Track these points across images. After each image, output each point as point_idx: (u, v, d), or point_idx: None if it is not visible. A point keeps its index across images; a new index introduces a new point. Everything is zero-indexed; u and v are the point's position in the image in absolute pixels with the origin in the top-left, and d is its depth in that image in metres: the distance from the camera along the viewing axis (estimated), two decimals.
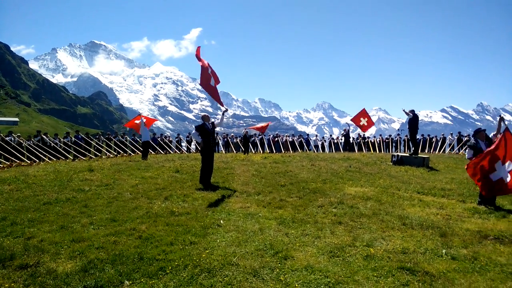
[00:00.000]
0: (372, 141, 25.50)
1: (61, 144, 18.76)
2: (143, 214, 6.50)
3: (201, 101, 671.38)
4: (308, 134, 27.72)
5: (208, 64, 9.84)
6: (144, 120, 16.28)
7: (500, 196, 7.73)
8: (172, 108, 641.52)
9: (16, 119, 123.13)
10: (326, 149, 25.33)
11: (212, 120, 9.85)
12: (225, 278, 4.01)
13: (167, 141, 23.21)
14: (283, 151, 22.91)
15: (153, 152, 19.83)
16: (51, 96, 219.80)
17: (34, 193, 8.06)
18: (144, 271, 4.14)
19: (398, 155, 14.31)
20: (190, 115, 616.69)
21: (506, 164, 7.31)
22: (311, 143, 26.06)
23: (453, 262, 4.55)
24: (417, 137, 17.67)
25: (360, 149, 24.10)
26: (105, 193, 8.14)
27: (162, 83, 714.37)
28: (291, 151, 22.95)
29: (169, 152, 21.37)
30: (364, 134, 26.50)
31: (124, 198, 7.69)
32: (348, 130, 25.49)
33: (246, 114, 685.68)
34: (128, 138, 21.63)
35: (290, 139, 25.36)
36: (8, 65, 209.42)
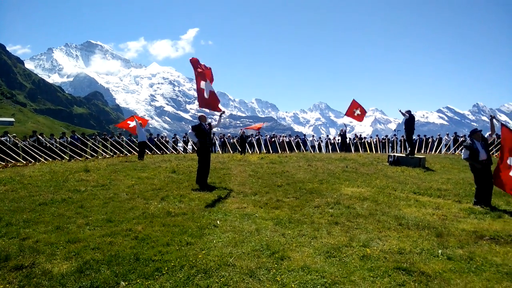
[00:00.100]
0: (369, 141, 25.58)
1: (57, 145, 18.69)
2: (139, 214, 6.48)
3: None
4: (304, 135, 27.73)
5: (202, 71, 9.67)
6: (139, 122, 16.22)
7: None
8: (168, 108, 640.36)
9: (12, 119, 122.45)
10: (323, 150, 25.39)
11: (209, 120, 9.83)
12: (221, 279, 4.00)
13: (163, 142, 23.17)
14: (280, 152, 22.92)
15: (149, 153, 19.79)
16: (47, 96, 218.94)
17: (29, 194, 8.02)
18: (140, 272, 4.12)
19: (394, 156, 14.35)
20: (186, 116, 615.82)
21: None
22: (308, 143, 26.08)
23: (449, 262, 4.56)
24: (414, 137, 17.73)
25: (356, 150, 24.16)
26: (101, 194, 8.11)
27: (158, 83, 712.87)
28: (288, 152, 22.97)
29: (166, 153, 21.34)
30: (360, 135, 26.57)
31: (120, 199, 7.66)
32: (345, 131, 25.55)
33: (243, 115, 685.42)
34: (124, 139, 21.57)
35: (287, 140, 25.39)
36: (4, 65, 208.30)
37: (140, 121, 16.25)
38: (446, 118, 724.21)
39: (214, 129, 10.16)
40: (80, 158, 17.11)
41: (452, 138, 24.47)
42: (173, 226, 5.79)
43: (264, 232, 5.60)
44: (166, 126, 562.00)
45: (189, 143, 23.42)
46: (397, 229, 5.89)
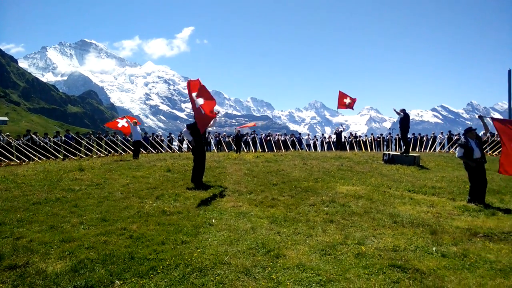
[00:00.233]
0: (364, 140, 25.66)
1: (51, 144, 18.56)
2: (134, 213, 6.46)
3: None
4: (300, 133, 27.77)
5: (197, 90, 9.28)
6: (131, 121, 16.04)
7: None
8: (163, 107, 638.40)
9: (6, 118, 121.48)
10: (318, 148, 25.42)
11: None
12: (216, 277, 4.00)
13: (158, 140, 23.10)
14: (275, 150, 22.93)
15: (144, 151, 19.71)
16: (41, 95, 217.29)
17: (23, 193, 7.97)
18: (135, 271, 4.11)
19: (389, 154, 14.41)
20: (182, 114, 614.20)
21: None
22: (303, 142, 26.12)
23: (443, 259, 4.59)
24: (408, 136, 17.82)
25: (351, 148, 24.23)
26: (96, 193, 8.07)
27: (153, 82, 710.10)
28: (283, 150, 22.98)
29: (161, 151, 21.27)
30: (356, 133, 26.64)
31: (115, 198, 7.63)
32: (341, 131, 25.61)
33: (238, 113, 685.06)
34: (119, 138, 21.47)
35: (282, 138, 25.38)
36: None
37: (131, 121, 16.09)
38: (440, 117, 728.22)
39: (209, 128, 10.11)
40: (74, 157, 17.02)
41: (446, 136, 24.60)
42: (168, 225, 5.78)
43: (259, 230, 5.60)
44: (161, 125, 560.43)
45: (184, 142, 23.36)
46: (392, 227, 5.91)
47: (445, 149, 23.26)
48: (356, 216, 6.54)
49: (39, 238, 5.13)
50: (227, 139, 24.42)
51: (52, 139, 19.06)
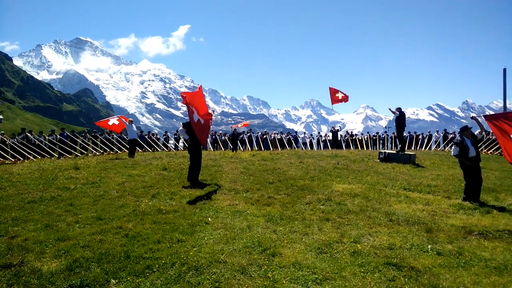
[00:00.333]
0: (360, 138, 25.71)
1: (46, 142, 18.47)
2: (130, 212, 6.44)
3: None
4: (296, 132, 27.80)
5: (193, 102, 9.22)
6: (125, 121, 15.97)
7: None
8: (159, 106, 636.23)
9: (0, 116, 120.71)
10: (314, 147, 25.46)
11: None
12: (212, 276, 4.00)
13: (154, 139, 23.04)
14: (271, 149, 22.93)
15: (140, 150, 19.65)
16: (36, 93, 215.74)
17: (18, 192, 7.93)
18: (131, 270, 4.10)
19: (385, 152, 14.45)
20: (178, 113, 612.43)
21: None
22: (299, 140, 26.12)
23: (438, 257, 4.61)
24: (404, 134, 17.86)
25: (347, 146, 24.27)
26: (91, 191, 8.04)
27: (149, 80, 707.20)
28: (279, 149, 22.98)
29: (157, 150, 21.21)
30: (352, 132, 26.69)
31: (110, 196, 7.61)
32: (337, 130, 25.65)
33: (235, 112, 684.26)
34: (114, 136, 21.39)
35: (279, 137, 25.39)
36: None
37: (129, 119, 16.03)
38: (436, 115, 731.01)
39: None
40: (69, 156, 16.93)
41: (442, 135, 24.70)
42: (164, 223, 5.77)
43: (255, 229, 5.60)
44: (157, 123, 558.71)
45: (180, 141, 23.32)
46: (388, 225, 5.93)
47: (441, 147, 23.35)
48: (352, 214, 6.55)
49: (34, 237, 5.11)
50: (223, 137, 24.40)
51: (47, 137, 18.97)
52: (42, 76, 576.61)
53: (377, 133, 26.48)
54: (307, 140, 26.27)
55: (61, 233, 5.26)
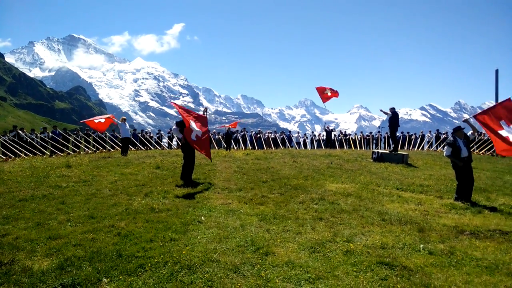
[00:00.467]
0: (353, 138, 25.81)
1: (38, 140, 18.31)
2: (122, 210, 6.40)
3: (183, 97, 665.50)
4: (290, 131, 27.81)
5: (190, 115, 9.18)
6: (124, 117, 15.92)
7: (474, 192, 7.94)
8: (153, 104, 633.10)
9: None
10: (308, 146, 25.51)
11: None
12: (205, 275, 3.99)
13: (148, 137, 22.93)
14: (265, 148, 22.93)
15: (133, 148, 19.56)
16: (28, 91, 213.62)
17: (9, 190, 7.85)
18: (123, 268, 4.08)
19: (378, 152, 14.51)
20: (171, 111, 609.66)
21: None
22: (293, 139, 26.15)
23: (430, 256, 4.64)
24: (397, 134, 17.95)
25: (341, 146, 24.35)
26: (83, 190, 7.99)
27: (143, 78, 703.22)
28: (273, 148, 22.99)
29: (150, 148, 21.12)
30: (345, 131, 26.78)
31: (102, 195, 7.56)
32: (331, 130, 25.71)
33: (229, 111, 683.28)
34: (107, 134, 21.26)
35: (272, 136, 25.40)
36: None
37: (122, 118, 15.93)
38: (429, 116, 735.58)
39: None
40: (61, 154, 16.80)
41: (434, 135, 24.87)
42: (157, 222, 5.74)
43: (248, 228, 5.60)
44: (150, 121, 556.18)
45: (174, 139, 23.23)
46: (380, 225, 5.96)
47: (433, 147, 23.51)
48: (345, 213, 6.57)
49: (25, 235, 5.06)
50: (217, 136, 24.36)
51: (39, 135, 18.80)
52: (34, 73, 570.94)
53: (371, 133, 26.60)
54: (301, 140, 26.31)
55: (53, 231, 5.22)
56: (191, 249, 4.67)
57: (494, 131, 7.93)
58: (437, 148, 22.86)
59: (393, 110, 14.59)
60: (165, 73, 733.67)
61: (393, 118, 14.67)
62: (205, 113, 10.07)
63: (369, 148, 24.60)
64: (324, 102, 19.62)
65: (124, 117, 16.19)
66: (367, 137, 25.97)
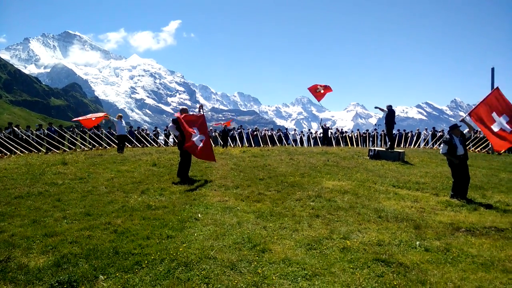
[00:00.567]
0: (350, 135, 25.87)
1: (34, 137, 18.20)
2: (118, 208, 6.39)
3: (179, 94, 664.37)
4: (287, 129, 27.81)
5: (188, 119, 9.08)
6: (119, 115, 15.85)
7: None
8: (149, 101, 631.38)
9: None
10: (305, 143, 25.52)
11: (191, 113, 9.71)
12: (202, 272, 3.98)
13: (144, 134, 22.87)
14: (262, 145, 22.93)
15: (129, 146, 19.50)
16: (23, 87, 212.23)
17: (4, 187, 7.81)
18: (120, 266, 4.07)
19: (374, 150, 14.55)
20: (168, 108, 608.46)
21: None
22: (290, 137, 26.17)
23: (426, 253, 4.66)
24: (394, 132, 18.00)
25: (338, 144, 24.39)
26: (79, 187, 7.96)
27: (139, 75, 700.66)
28: (270, 145, 23.01)
29: (146, 146, 21.07)
30: (342, 129, 26.81)
31: (99, 192, 7.54)
32: (328, 127, 25.73)
33: (225, 108, 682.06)
34: (103, 131, 21.18)
35: (269, 133, 25.40)
36: None
37: (119, 115, 15.88)
38: (425, 113, 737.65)
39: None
40: (57, 151, 16.73)
41: (430, 133, 24.96)
42: (154, 219, 5.73)
43: (245, 225, 5.60)
44: (146, 119, 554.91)
45: (170, 136, 23.18)
46: (377, 222, 5.98)
47: (429, 145, 23.60)
48: (341, 211, 6.59)
49: (21, 232, 5.04)
50: (213, 133, 24.34)
51: (34, 132, 18.69)
52: (30, 70, 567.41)
53: (367, 130, 26.68)
54: (298, 137, 26.35)
55: (49, 228, 5.19)
56: (188, 246, 4.66)
57: (488, 128, 7.98)
58: (433, 146, 22.94)
59: (389, 107, 14.62)
60: (162, 70, 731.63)
61: (390, 115, 14.70)
62: (201, 110, 10.04)
63: (366, 145, 24.67)
64: (319, 101, 19.56)
65: (120, 114, 16.16)
66: (364, 135, 26.03)
